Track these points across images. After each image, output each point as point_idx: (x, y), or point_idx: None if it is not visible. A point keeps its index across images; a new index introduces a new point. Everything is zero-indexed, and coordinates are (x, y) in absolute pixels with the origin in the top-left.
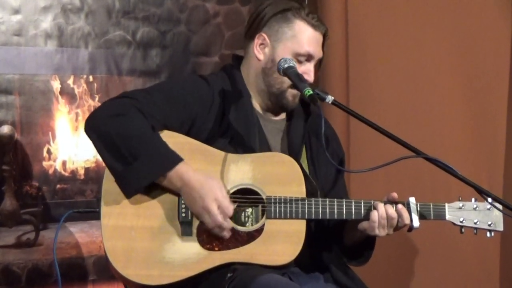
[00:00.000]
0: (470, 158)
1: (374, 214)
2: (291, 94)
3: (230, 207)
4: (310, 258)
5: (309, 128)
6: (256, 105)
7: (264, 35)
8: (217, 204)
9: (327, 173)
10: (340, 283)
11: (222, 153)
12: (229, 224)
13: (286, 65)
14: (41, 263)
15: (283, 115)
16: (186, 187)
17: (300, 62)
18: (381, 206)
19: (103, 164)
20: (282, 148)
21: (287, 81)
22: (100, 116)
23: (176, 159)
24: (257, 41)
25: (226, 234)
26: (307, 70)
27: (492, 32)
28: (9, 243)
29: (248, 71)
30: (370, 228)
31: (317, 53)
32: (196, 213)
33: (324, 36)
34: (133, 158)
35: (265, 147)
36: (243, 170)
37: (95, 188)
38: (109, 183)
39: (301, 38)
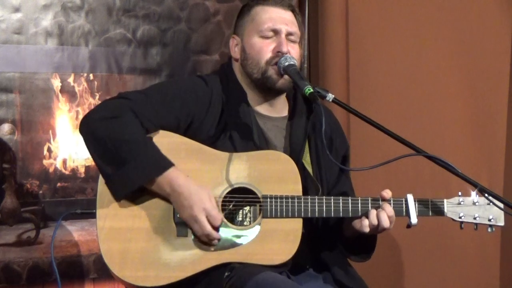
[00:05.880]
0: (470, 156)
1: (365, 224)
2: (272, 71)
3: (218, 218)
4: (309, 258)
5: (312, 125)
6: (255, 104)
7: (234, 35)
8: (205, 213)
9: (331, 169)
10: (340, 283)
11: (218, 153)
12: (217, 234)
13: (286, 63)
14: (41, 261)
15: (284, 113)
16: (175, 193)
17: (268, 37)
18: (373, 213)
19: None
20: (285, 147)
21: (262, 60)
22: (94, 118)
23: (165, 165)
24: (231, 44)
25: (214, 244)
26: (279, 43)
27: (492, 32)
28: (9, 241)
29: (236, 73)
30: (362, 230)
31: (282, 26)
32: (185, 219)
33: (293, 12)
34: (123, 162)
35: (266, 146)
36: (239, 168)
37: (95, 186)
38: (104, 186)
39: (259, 17)
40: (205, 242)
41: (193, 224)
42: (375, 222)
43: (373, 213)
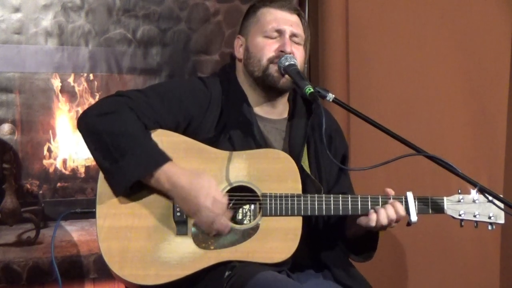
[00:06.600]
0: (470, 156)
1: (373, 219)
2: (274, 69)
3: (223, 200)
4: (309, 256)
5: (312, 126)
6: (255, 105)
7: (239, 36)
8: (210, 199)
9: (330, 170)
10: (340, 281)
11: (218, 151)
12: (226, 219)
13: (286, 63)
14: (41, 261)
15: (284, 115)
16: (176, 188)
17: (272, 37)
18: (382, 211)
19: None
20: (284, 148)
21: (264, 58)
22: (91, 114)
23: (162, 159)
24: (235, 44)
25: (225, 230)
26: (282, 43)
27: (492, 32)
28: (9, 241)
29: (239, 74)
30: (368, 224)
31: (287, 27)
32: (190, 212)
33: (299, 16)
34: (120, 156)
35: (266, 147)
36: (238, 167)
37: (95, 186)
38: (104, 185)
39: (264, 18)
40: (212, 233)
41: (199, 214)
42: (384, 221)
43: (384, 208)
